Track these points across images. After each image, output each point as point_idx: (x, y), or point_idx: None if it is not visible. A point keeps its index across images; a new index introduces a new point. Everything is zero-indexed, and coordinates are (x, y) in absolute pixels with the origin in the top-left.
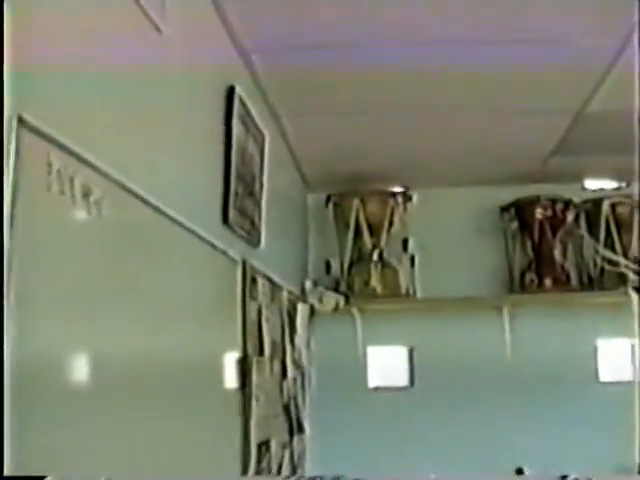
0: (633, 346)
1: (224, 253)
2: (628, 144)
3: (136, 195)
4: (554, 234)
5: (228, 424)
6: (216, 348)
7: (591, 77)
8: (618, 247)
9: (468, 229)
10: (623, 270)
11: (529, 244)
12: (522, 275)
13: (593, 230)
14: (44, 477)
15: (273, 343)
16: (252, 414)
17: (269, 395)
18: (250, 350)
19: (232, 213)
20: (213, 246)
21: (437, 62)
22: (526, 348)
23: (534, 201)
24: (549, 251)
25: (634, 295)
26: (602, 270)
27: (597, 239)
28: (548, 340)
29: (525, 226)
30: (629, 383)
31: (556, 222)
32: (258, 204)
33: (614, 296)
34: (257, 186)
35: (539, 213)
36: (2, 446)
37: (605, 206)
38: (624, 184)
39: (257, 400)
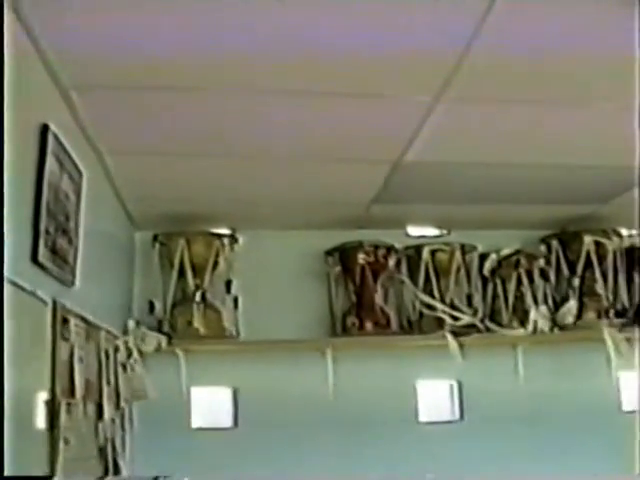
0: (452, 387)
1: (32, 294)
2: (446, 193)
3: None
4: (375, 279)
5: (36, 465)
6: (22, 390)
7: (406, 129)
8: (436, 292)
9: (294, 272)
10: (440, 314)
11: (351, 288)
12: (344, 318)
13: (413, 275)
14: (44, 477)
15: (87, 383)
16: (59, 456)
17: (81, 437)
18: (59, 391)
19: (42, 252)
20: (19, 286)
21: (265, 110)
22: (349, 389)
23: (357, 246)
24: (370, 295)
25: (451, 338)
26: (421, 314)
27: (417, 284)
28: (370, 381)
29: (348, 270)
30: (448, 423)
31: (378, 267)
32: (73, 243)
33: (432, 339)
34: (72, 224)
35: (361, 258)
36: (2, 446)
37: (425, 252)
38: (445, 231)
39: (66, 443)
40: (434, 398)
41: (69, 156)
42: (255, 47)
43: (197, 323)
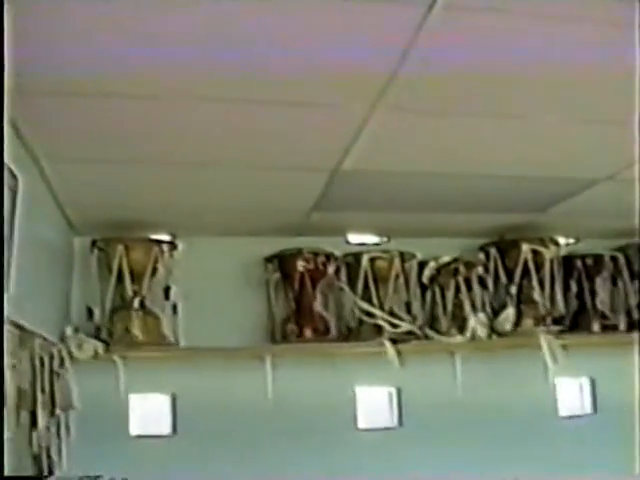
0: (390, 394)
1: None
2: (385, 202)
3: None
4: (315, 286)
5: None
6: None
7: (343, 137)
8: (375, 299)
9: (233, 279)
10: (379, 322)
11: (291, 295)
12: (283, 325)
13: (353, 282)
14: (45, 477)
15: (20, 391)
16: None
17: (14, 446)
18: None
19: None
20: None
21: (204, 118)
22: (288, 396)
23: (296, 253)
24: (309, 302)
25: (389, 345)
26: (360, 321)
27: (356, 291)
28: (309, 388)
29: (287, 277)
30: (387, 429)
31: (317, 274)
32: (7, 248)
33: (371, 346)
34: (7, 230)
35: (301, 265)
36: (2, 446)
37: (364, 260)
38: (385, 239)
39: None
40: (373, 405)
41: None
42: (192, 54)
43: (135, 330)
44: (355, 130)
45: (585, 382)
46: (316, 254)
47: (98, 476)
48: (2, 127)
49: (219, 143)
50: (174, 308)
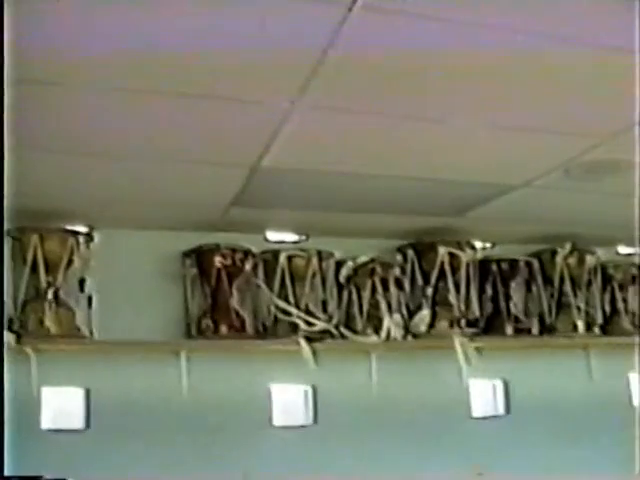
0: (306, 392)
1: None
2: (304, 200)
3: None
4: (231, 282)
5: None
6: None
7: (263, 134)
8: (292, 297)
9: (150, 272)
10: (295, 320)
11: (207, 290)
12: (199, 321)
13: (270, 280)
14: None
15: None
16: None
17: None
18: None
19: None
20: None
21: (122, 109)
22: (203, 392)
23: (214, 249)
24: (226, 298)
25: (304, 344)
26: (276, 319)
27: (272, 289)
28: (224, 384)
29: (204, 273)
30: (302, 427)
31: (234, 270)
32: None
33: (286, 344)
34: None
35: (218, 261)
36: (2, 446)
37: (282, 258)
38: (304, 237)
39: None
40: (288, 402)
41: None
42: (109, 45)
43: (49, 322)
44: (275, 127)
45: (498, 384)
46: (234, 250)
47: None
48: (2, 123)
49: (136, 134)
50: (89, 301)
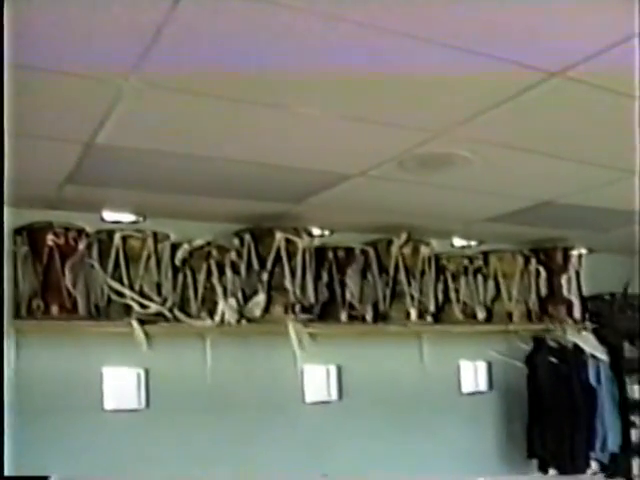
0: (139, 375)
1: None
2: (141, 180)
3: None
4: (64, 261)
5: None
6: None
7: (97, 110)
8: (126, 279)
9: None
10: (129, 302)
11: (39, 269)
12: (30, 301)
13: (104, 260)
14: (44, 477)
15: None
16: None
17: None
18: None
19: None
20: None
21: None
22: (33, 374)
23: (46, 227)
24: (57, 278)
25: (137, 326)
26: (109, 300)
27: (106, 270)
28: (55, 367)
29: (36, 251)
30: (133, 411)
31: (67, 250)
32: None
33: (120, 326)
34: None
35: (50, 240)
36: (2, 446)
37: (116, 238)
38: (141, 218)
39: None
40: (120, 385)
41: None
42: None
43: None
44: (109, 103)
45: (332, 369)
46: (67, 229)
47: None
48: (2, 126)
49: None
50: None
